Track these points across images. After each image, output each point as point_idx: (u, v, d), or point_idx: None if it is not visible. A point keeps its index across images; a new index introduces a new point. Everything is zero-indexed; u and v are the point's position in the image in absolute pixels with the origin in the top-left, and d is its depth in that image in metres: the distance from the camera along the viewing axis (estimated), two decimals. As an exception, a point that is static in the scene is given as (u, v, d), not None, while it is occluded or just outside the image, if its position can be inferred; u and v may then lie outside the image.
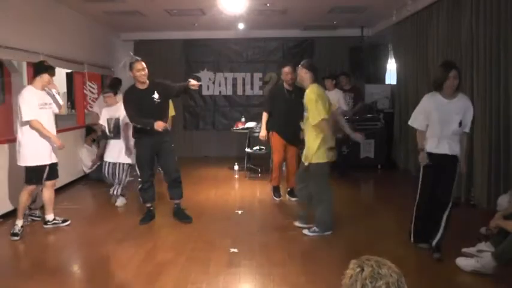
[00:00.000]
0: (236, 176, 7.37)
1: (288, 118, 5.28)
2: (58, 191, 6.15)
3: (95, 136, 7.34)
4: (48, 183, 4.64)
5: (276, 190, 5.78)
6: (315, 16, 7.64)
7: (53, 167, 4.61)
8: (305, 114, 4.24)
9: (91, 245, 4.15)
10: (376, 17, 7.86)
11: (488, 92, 4.83)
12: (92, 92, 7.66)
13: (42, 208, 5.23)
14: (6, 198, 5.01)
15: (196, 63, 9.37)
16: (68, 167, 6.60)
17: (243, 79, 9.46)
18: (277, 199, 5.69)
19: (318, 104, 4.05)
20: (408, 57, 7.23)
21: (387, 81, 8.78)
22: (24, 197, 4.45)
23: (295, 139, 5.32)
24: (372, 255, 1.41)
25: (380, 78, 8.77)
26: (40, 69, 4.46)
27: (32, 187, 4.49)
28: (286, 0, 6.55)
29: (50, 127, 4.52)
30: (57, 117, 7.74)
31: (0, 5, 4.95)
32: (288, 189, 5.71)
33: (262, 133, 5.62)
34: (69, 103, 8.42)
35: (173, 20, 7.70)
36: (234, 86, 9.48)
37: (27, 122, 4.32)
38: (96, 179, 6.94)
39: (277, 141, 5.51)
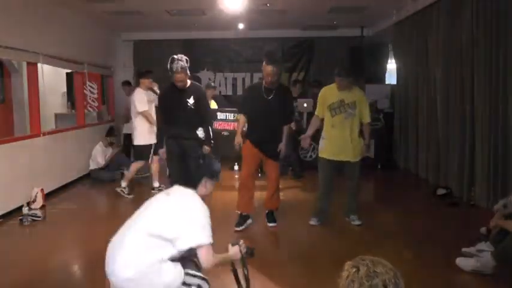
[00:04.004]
0: (236, 176, 7.35)
1: (265, 123, 4.32)
2: (58, 190, 6.17)
3: (113, 140, 7.35)
4: (155, 157, 5.92)
5: (241, 217, 4.46)
6: (314, 16, 7.64)
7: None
8: (351, 111, 4.40)
9: (91, 245, 4.15)
10: (376, 17, 7.86)
11: (488, 91, 4.83)
12: (92, 92, 7.66)
13: (43, 208, 5.25)
14: (5, 198, 5.00)
15: (196, 63, 9.36)
16: (68, 166, 6.60)
17: (243, 79, 9.46)
18: (238, 228, 4.38)
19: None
20: (408, 57, 7.23)
21: (387, 81, 8.78)
22: (134, 168, 6.01)
23: (273, 150, 4.40)
24: (368, 255, 1.42)
25: (380, 78, 8.76)
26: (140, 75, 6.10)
27: (141, 163, 5.96)
28: (286, 0, 6.54)
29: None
30: (57, 117, 7.84)
31: (0, 5, 4.94)
32: (267, 212, 4.62)
33: (237, 139, 4.47)
34: (69, 103, 8.43)
35: (173, 20, 7.70)
36: (234, 86, 9.49)
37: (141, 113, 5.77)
38: (96, 178, 6.95)
39: (248, 150, 4.40)
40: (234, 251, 2.39)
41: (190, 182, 2.30)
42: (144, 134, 5.84)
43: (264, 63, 4.21)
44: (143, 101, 5.80)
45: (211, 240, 2.17)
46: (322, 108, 4.53)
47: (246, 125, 4.57)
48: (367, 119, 4.49)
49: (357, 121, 4.46)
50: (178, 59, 4.29)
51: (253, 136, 4.41)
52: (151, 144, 5.81)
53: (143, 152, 5.90)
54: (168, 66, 4.30)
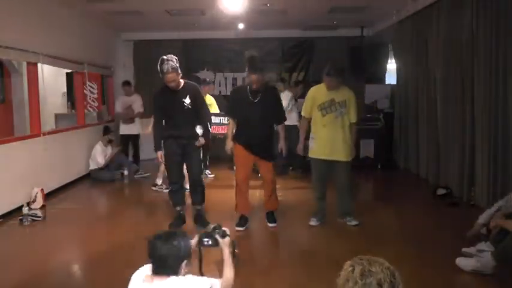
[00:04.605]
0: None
1: (254, 126, 4.32)
2: (58, 191, 6.18)
3: (112, 137, 7.33)
4: None
5: (241, 219, 4.52)
6: (315, 16, 7.64)
7: None
8: (342, 110, 4.37)
9: (91, 245, 4.15)
10: (376, 17, 7.86)
11: (488, 91, 4.83)
12: (92, 92, 7.66)
13: (43, 208, 5.25)
14: (5, 198, 5.00)
15: (196, 63, 9.37)
16: (68, 166, 6.61)
17: (243, 79, 9.44)
18: (239, 228, 4.43)
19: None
20: (408, 57, 7.23)
21: (387, 81, 8.79)
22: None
23: (265, 151, 4.40)
24: (367, 255, 1.42)
25: (380, 78, 8.77)
26: None
27: None
28: (286, 0, 6.55)
29: None
30: (57, 117, 7.85)
31: (0, 5, 4.94)
32: (267, 212, 4.62)
33: (229, 144, 4.51)
34: (69, 103, 8.43)
35: (173, 20, 7.70)
36: (234, 86, 9.47)
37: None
38: (96, 178, 6.95)
39: (239, 154, 4.42)
40: (227, 243, 2.26)
41: (168, 269, 1.91)
42: None
43: (247, 70, 4.28)
44: None
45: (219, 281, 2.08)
46: (311, 108, 4.47)
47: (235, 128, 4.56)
48: (353, 119, 4.45)
49: (348, 120, 4.44)
50: (168, 59, 4.17)
51: (243, 139, 4.38)
52: None
53: None
54: (158, 68, 4.18)
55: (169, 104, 4.41)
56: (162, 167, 6.06)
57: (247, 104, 4.33)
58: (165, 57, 4.22)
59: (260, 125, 4.33)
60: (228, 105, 4.63)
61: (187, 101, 4.38)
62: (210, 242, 2.21)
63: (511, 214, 3.47)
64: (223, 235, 2.22)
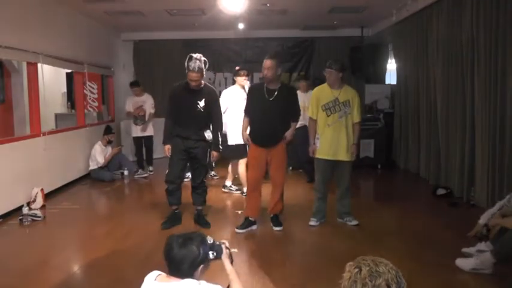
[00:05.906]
0: (237, 176, 7.36)
1: (266, 123, 4.27)
2: (58, 190, 6.18)
3: (112, 138, 7.30)
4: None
5: (246, 221, 4.44)
6: (315, 16, 7.65)
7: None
8: (346, 110, 4.37)
9: (90, 246, 4.15)
10: (376, 17, 7.86)
11: (488, 91, 4.82)
12: (92, 92, 7.65)
13: (43, 208, 5.25)
14: (5, 198, 5.00)
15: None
16: (68, 166, 6.61)
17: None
18: (239, 231, 4.38)
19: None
20: (408, 57, 7.23)
21: (387, 81, 8.79)
22: (242, 167, 5.66)
23: (275, 144, 4.35)
24: (368, 255, 1.42)
25: (380, 78, 8.77)
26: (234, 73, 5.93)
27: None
28: (286, 0, 6.55)
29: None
30: (57, 117, 7.84)
31: (0, 5, 4.94)
32: (271, 215, 4.53)
33: (245, 136, 4.48)
34: (69, 103, 8.43)
35: (173, 20, 7.71)
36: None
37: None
38: (96, 178, 6.95)
39: (253, 154, 4.40)
40: (227, 256, 2.14)
41: (182, 274, 1.90)
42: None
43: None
44: (239, 99, 5.55)
45: None
46: (317, 109, 4.47)
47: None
48: (356, 118, 4.44)
49: (351, 120, 4.43)
50: (196, 58, 4.18)
51: (256, 137, 4.36)
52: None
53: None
54: (186, 64, 4.20)
55: (183, 103, 4.41)
56: (230, 168, 6.05)
57: (263, 101, 4.27)
58: (194, 55, 4.22)
59: (273, 124, 4.26)
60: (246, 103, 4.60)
61: (201, 104, 4.38)
62: (215, 254, 2.08)
63: (509, 214, 3.47)
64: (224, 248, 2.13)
